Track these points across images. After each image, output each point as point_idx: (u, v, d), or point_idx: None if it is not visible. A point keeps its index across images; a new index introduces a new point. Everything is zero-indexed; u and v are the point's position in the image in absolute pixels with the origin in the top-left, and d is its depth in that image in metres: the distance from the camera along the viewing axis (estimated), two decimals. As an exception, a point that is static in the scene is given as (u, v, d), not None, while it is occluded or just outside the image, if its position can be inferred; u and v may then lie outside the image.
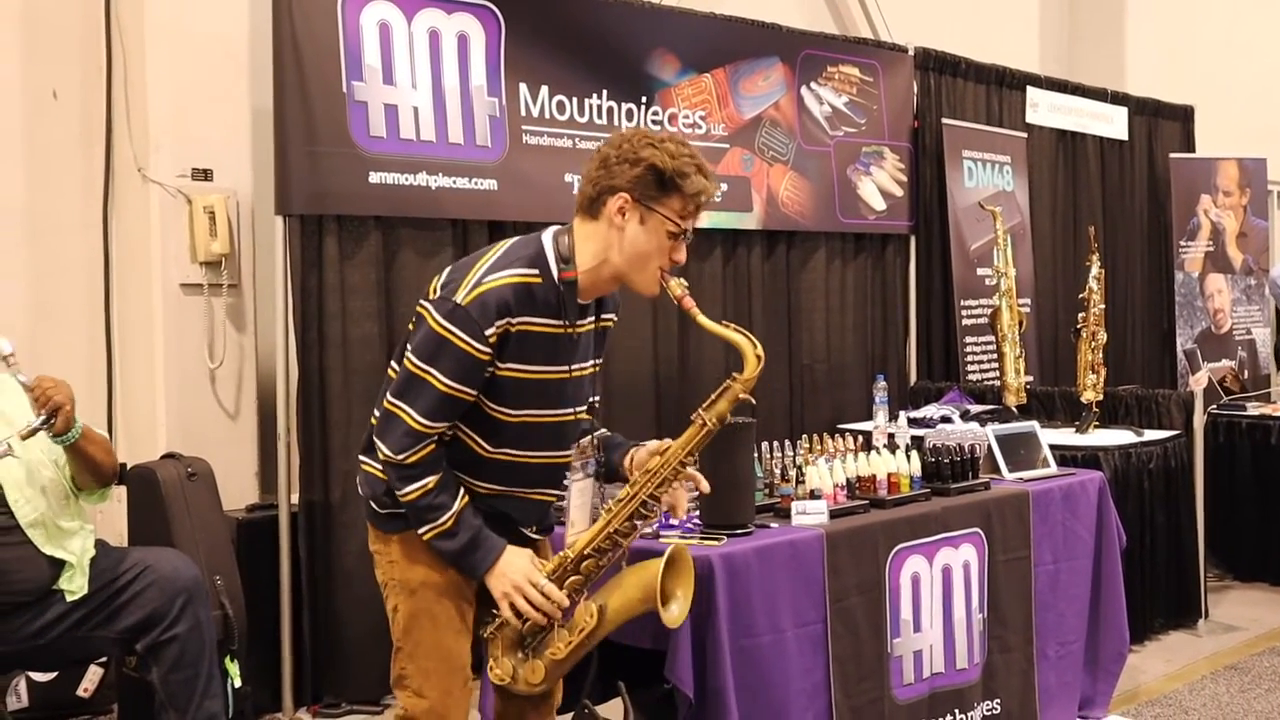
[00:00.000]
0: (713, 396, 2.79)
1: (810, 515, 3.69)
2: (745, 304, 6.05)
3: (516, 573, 2.73)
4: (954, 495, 4.11)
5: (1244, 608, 6.17)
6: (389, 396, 2.73)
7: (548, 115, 5.24)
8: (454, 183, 4.91)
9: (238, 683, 3.99)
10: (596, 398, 3.01)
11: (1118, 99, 8.32)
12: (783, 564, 3.50)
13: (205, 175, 4.81)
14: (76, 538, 3.60)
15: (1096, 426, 5.71)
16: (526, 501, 2.86)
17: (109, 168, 4.80)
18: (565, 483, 2.87)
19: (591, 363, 2.90)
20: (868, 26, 7.34)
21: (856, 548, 3.71)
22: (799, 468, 3.86)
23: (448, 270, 2.76)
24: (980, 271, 6.96)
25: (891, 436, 4.44)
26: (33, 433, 3.36)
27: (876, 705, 3.75)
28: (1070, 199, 7.99)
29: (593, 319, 2.85)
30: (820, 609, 3.59)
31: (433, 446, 2.71)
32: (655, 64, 5.62)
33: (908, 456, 4.08)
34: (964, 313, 6.92)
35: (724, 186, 5.84)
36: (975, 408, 5.83)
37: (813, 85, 6.26)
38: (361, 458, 2.84)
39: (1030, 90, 7.62)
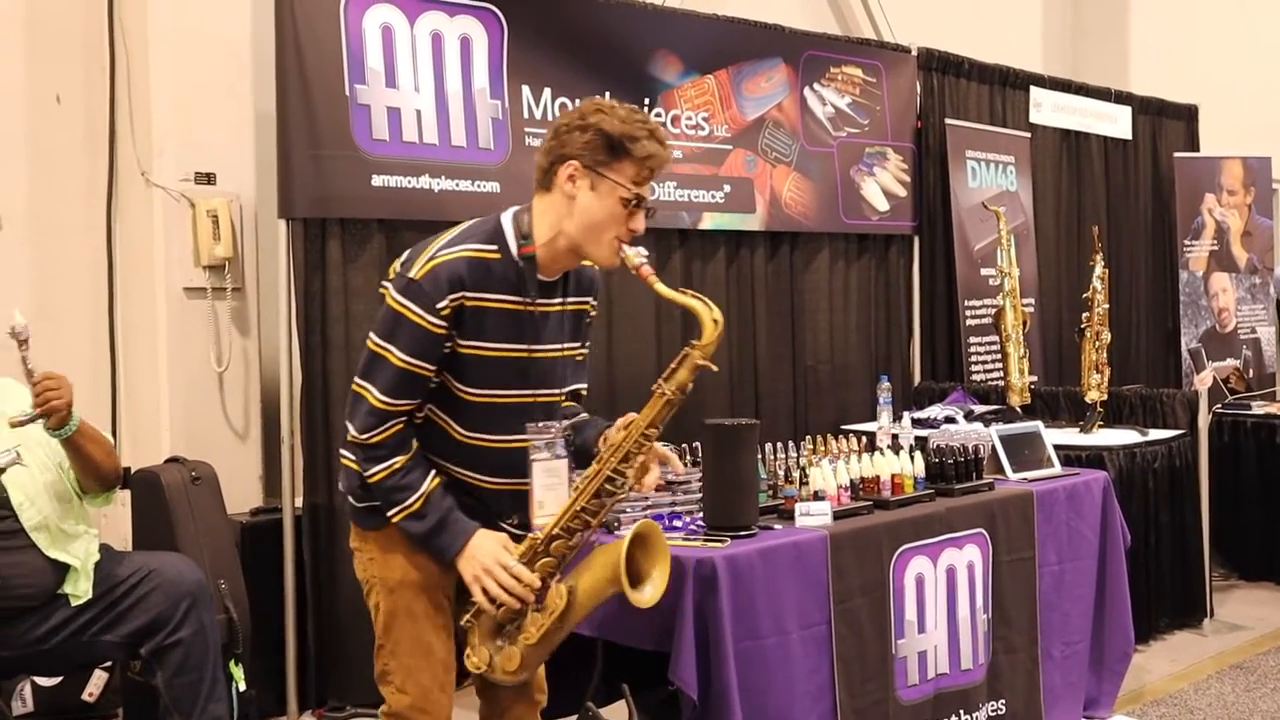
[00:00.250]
0: (672, 365, 2.72)
1: (814, 516, 3.69)
2: (749, 305, 6.06)
3: (486, 555, 2.69)
4: (958, 496, 4.10)
5: (1249, 607, 6.16)
6: (355, 378, 2.74)
7: (550, 117, 5.24)
8: (457, 185, 4.91)
9: (242, 686, 4.00)
10: (582, 385, 2.99)
11: (1121, 98, 8.31)
12: (787, 565, 3.50)
13: (209, 179, 4.81)
14: (80, 541, 3.60)
15: (1101, 426, 5.71)
16: (502, 493, 2.83)
17: (112, 172, 4.80)
18: (534, 463, 2.79)
19: (567, 346, 2.87)
20: (870, 27, 7.33)
21: (860, 549, 3.71)
22: (803, 469, 3.86)
23: (409, 251, 2.76)
24: (984, 272, 6.96)
25: (895, 437, 4.43)
26: (22, 423, 3.36)
27: (881, 706, 3.75)
28: (1074, 199, 7.98)
29: (561, 299, 2.81)
30: (824, 610, 3.59)
31: (399, 426, 2.70)
32: (658, 66, 5.62)
33: (911, 457, 4.07)
34: (968, 313, 6.91)
35: (727, 187, 5.84)
36: (979, 408, 5.83)
37: (816, 86, 6.26)
38: (342, 452, 2.83)
39: (1034, 90, 7.62)
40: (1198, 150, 8.85)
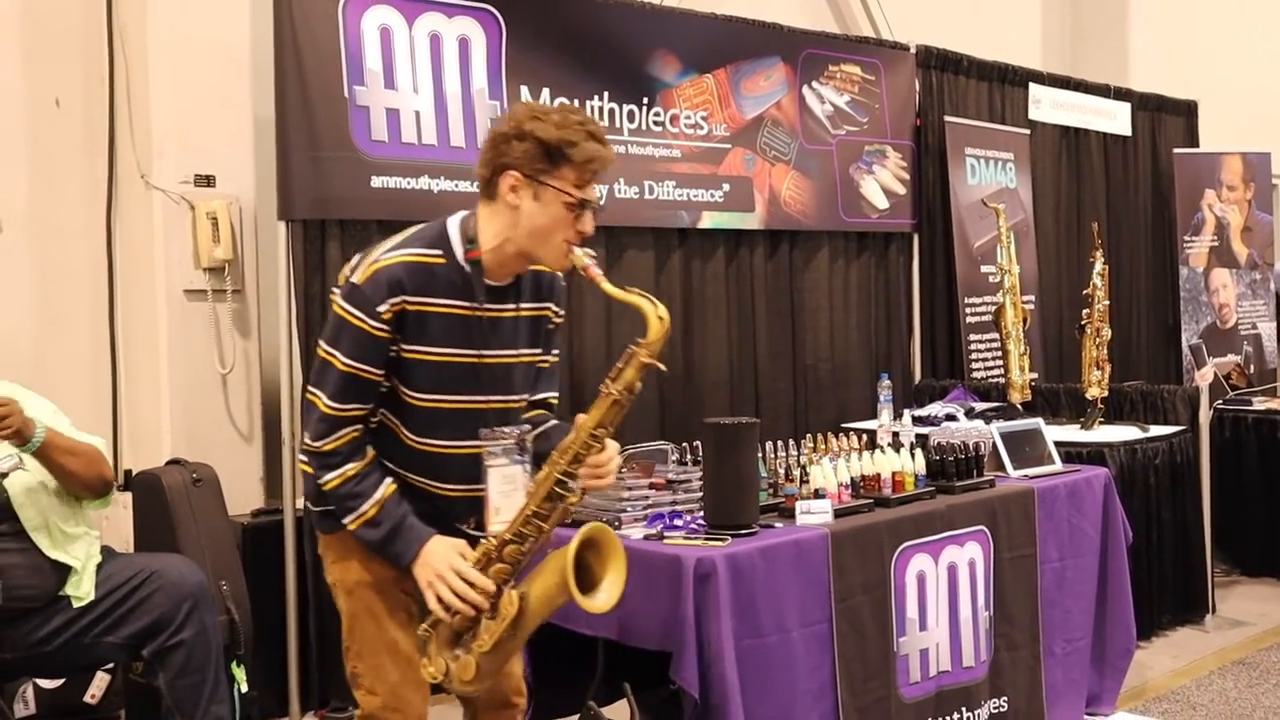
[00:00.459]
0: (619, 365, 2.67)
1: (815, 515, 3.69)
2: (748, 304, 6.06)
3: (440, 561, 2.67)
4: (959, 493, 4.10)
5: (1251, 603, 6.16)
6: (308, 384, 2.74)
7: (549, 117, 5.24)
8: (456, 186, 4.91)
9: (244, 687, 4.00)
10: (553, 394, 2.96)
11: (1120, 95, 8.31)
12: (787, 564, 3.50)
13: (208, 181, 4.82)
14: (81, 543, 3.61)
15: (1102, 423, 5.71)
16: (458, 499, 2.81)
17: (112, 174, 4.80)
18: (489, 469, 2.75)
19: (525, 352, 2.83)
20: (869, 25, 7.33)
21: (861, 547, 3.71)
22: (803, 467, 3.86)
23: (357, 256, 2.75)
24: (984, 269, 6.96)
25: (896, 435, 4.44)
26: None
27: (883, 704, 3.75)
28: (1074, 195, 7.98)
29: (515, 304, 2.78)
30: (825, 608, 3.59)
31: (354, 434, 2.69)
32: (656, 65, 5.62)
33: (912, 455, 4.08)
34: (968, 310, 6.91)
35: (726, 186, 5.85)
36: (980, 405, 5.83)
37: (814, 84, 6.26)
38: (300, 457, 2.82)
39: (1033, 87, 7.62)
40: (1197, 146, 8.84)
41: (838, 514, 3.74)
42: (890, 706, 3.77)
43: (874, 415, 5.07)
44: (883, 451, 4.08)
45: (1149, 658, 5.26)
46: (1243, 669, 5.15)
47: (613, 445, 2.72)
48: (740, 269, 6.04)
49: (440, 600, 2.66)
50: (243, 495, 4.75)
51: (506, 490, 2.73)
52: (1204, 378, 5.96)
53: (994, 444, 4.45)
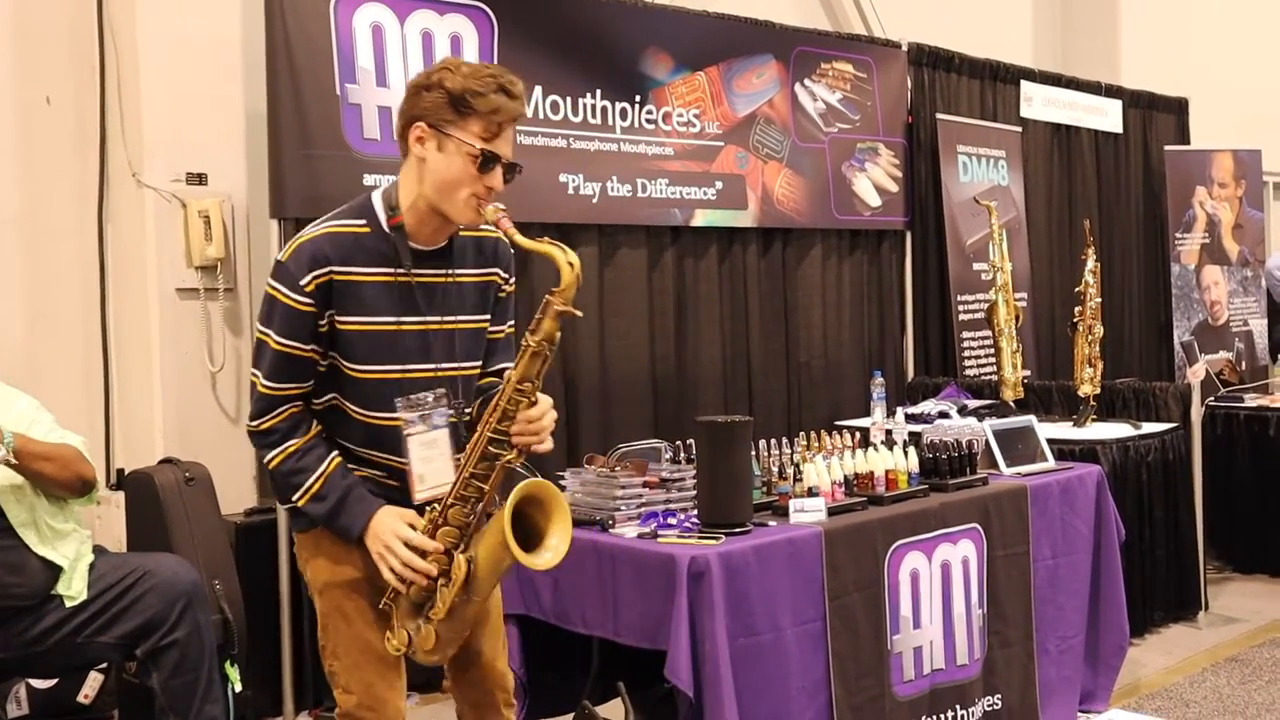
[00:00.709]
0: (537, 315, 2.63)
1: (808, 513, 3.69)
2: (741, 302, 6.06)
3: (386, 531, 2.67)
4: (952, 491, 4.11)
5: (1244, 599, 6.17)
6: (250, 367, 2.74)
7: (541, 115, 5.25)
8: (449, 184, 4.90)
9: (238, 687, 3.99)
10: (507, 365, 2.85)
11: (1112, 92, 8.33)
12: (781, 562, 3.50)
13: (200, 179, 4.81)
14: (70, 540, 3.60)
15: (1094, 420, 5.72)
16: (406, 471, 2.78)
17: (103, 173, 4.79)
18: (408, 438, 2.73)
19: (469, 319, 2.81)
20: (861, 23, 7.34)
21: (855, 545, 3.71)
22: (796, 465, 3.86)
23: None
24: (976, 266, 6.97)
25: (889, 433, 4.44)
26: None
27: (877, 702, 3.75)
28: (1065, 193, 7.99)
29: (452, 269, 2.75)
30: (819, 606, 3.59)
31: (293, 410, 2.69)
32: (649, 63, 5.62)
33: (905, 453, 4.08)
34: (960, 308, 6.92)
35: (719, 184, 5.85)
36: (972, 403, 5.84)
37: (807, 82, 6.26)
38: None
39: (1024, 84, 7.63)
40: (1188, 143, 8.86)
41: (831, 512, 3.74)
42: (884, 704, 3.77)
43: (867, 413, 5.08)
44: (876, 449, 4.08)
45: (1142, 655, 5.27)
46: (1235, 666, 5.16)
47: (545, 400, 2.68)
48: (733, 267, 6.04)
49: (393, 571, 2.65)
50: (236, 494, 4.74)
51: (429, 456, 2.73)
52: (1196, 375, 5.96)
53: (987, 442, 4.46)
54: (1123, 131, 8.39)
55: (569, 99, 5.33)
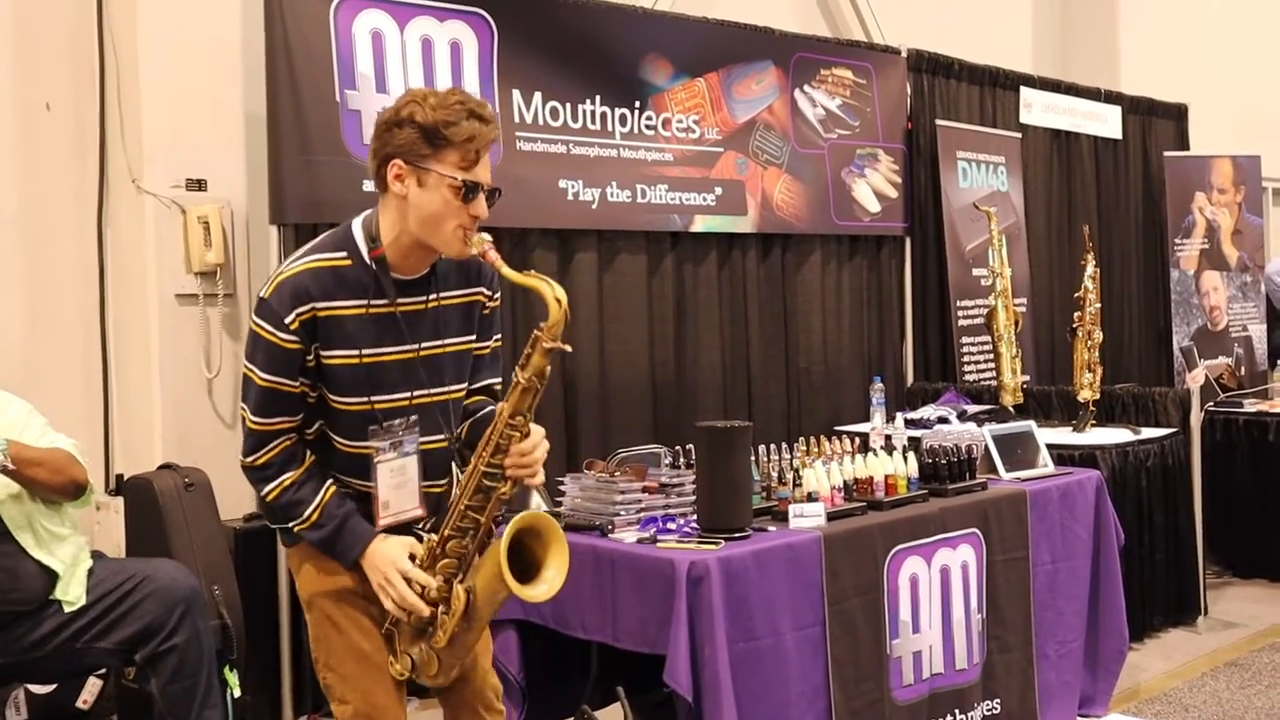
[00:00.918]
0: (526, 351, 2.63)
1: (808, 518, 3.70)
2: (741, 307, 6.06)
3: (386, 564, 2.68)
4: (951, 496, 4.11)
5: (1243, 604, 6.17)
6: (240, 400, 2.73)
7: (541, 121, 5.25)
8: (448, 190, 4.90)
9: (237, 692, 3.99)
10: (495, 380, 2.93)
11: (1111, 98, 8.33)
12: (781, 567, 3.50)
13: (199, 185, 4.81)
14: (67, 544, 3.60)
15: (1093, 425, 5.72)
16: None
17: (103, 179, 4.79)
18: (378, 464, 2.73)
19: (454, 341, 2.80)
20: (860, 29, 7.34)
21: (854, 550, 3.71)
22: (796, 470, 3.87)
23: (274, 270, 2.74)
24: (976, 272, 6.97)
25: (889, 438, 4.44)
26: None
27: (876, 707, 3.75)
28: (1065, 198, 8.00)
29: (430, 295, 2.74)
30: (819, 611, 3.60)
31: (285, 444, 2.69)
32: (648, 69, 5.62)
33: (905, 458, 4.08)
34: (960, 313, 6.92)
35: (718, 190, 5.85)
36: (972, 408, 5.84)
37: (806, 88, 6.26)
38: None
39: (1024, 90, 7.63)
40: (1188, 149, 8.87)
41: (830, 517, 3.74)
42: (883, 709, 3.77)
43: (867, 418, 5.07)
44: (875, 454, 4.09)
45: (1141, 659, 5.27)
46: (1235, 670, 5.16)
47: (537, 431, 2.70)
48: (733, 272, 6.04)
49: (394, 602, 2.68)
50: (235, 500, 4.73)
51: (398, 483, 2.74)
52: (1195, 380, 5.98)
53: (986, 447, 4.46)
54: (1122, 137, 8.39)
55: (568, 105, 5.33)
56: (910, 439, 4.48)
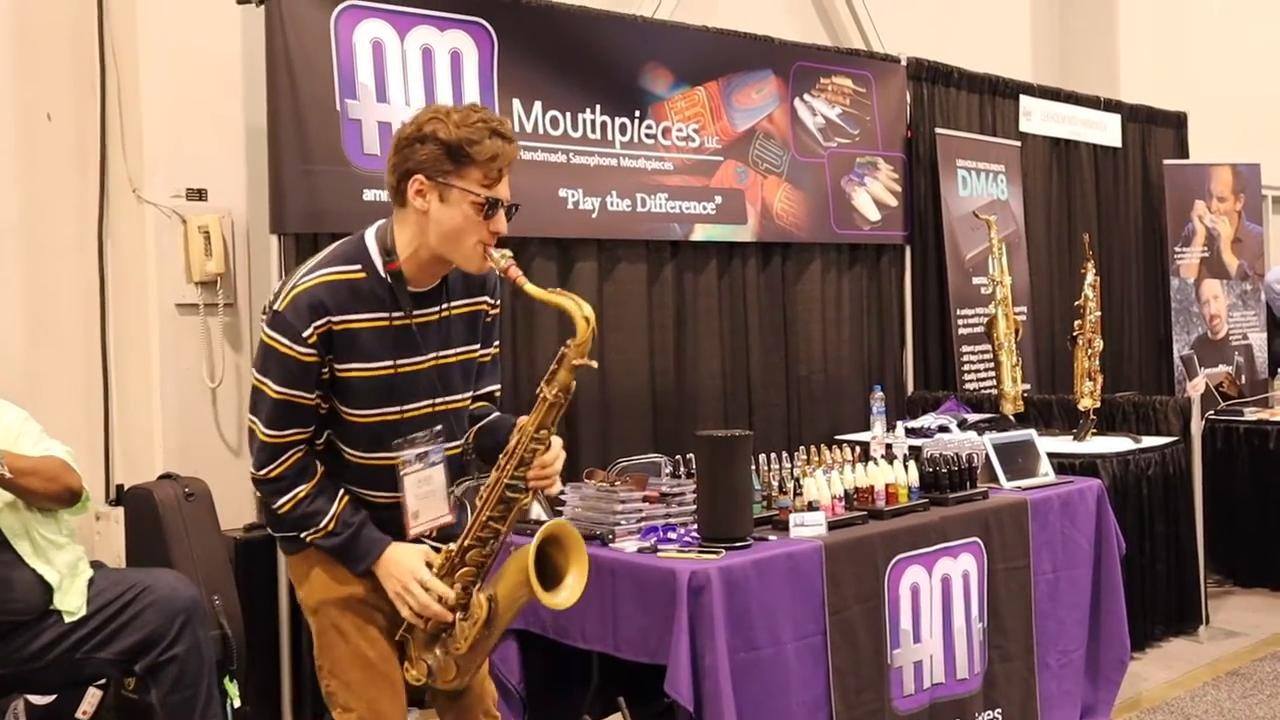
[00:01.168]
0: (553, 367, 2.66)
1: (808, 527, 3.70)
2: (741, 316, 6.06)
3: (403, 572, 2.70)
4: (952, 505, 4.11)
5: (1244, 613, 6.17)
6: (248, 413, 2.73)
7: (541, 130, 5.25)
8: (448, 199, 4.90)
9: (237, 703, 3.98)
10: (495, 386, 2.97)
11: (1111, 106, 8.34)
12: (781, 576, 3.50)
13: (200, 195, 4.81)
14: (64, 553, 3.60)
15: (1094, 434, 5.72)
16: (393, 505, 2.79)
17: (103, 188, 4.80)
18: (405, 476, 2.76)
19: (462, 350, 2.82)
20: (860, 38, 7.35)
21: (855, 559, 3.71)
22: (796, 479, 3.86)
23: (281, 282, 2.74)
24: (976, 280, 6.98)
25: (889, 447, 4.44)
26: None
27: (877, 716, 3.75)
28: (1065, 207, 8.00)
29: (440, 306, 2.76)
30: (819, 621, 3.59)
31: (297, 456, 2.69)
32: (648, 78, 5.63)
33: (905, 467, 4.08)
34: (960, 322, 6.92)
35: (718, 199, 5.85)
36: (973, 417, 5.84)
37: (806, 97, 6.27)
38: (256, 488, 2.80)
39: (1023, 99, 7.64)
40: (1187, 157, 8.87)
41: (831, 526, 3.74)
42: (884, 719, 3.77)
43: (867, 427, 5.07)
44: (876, 463, 4.09)
45: (1143, 669, 5.26)
46: (1236, 680, 5.15)
47: (556, 442, 2.74)
48: (733, 281, 6.04)
49: (411, 610, 2.70)
50: (235, 509, 4.73)
51: (424, 493, 2.77)
52: (1195, 388, 5.97)
53: (987, 455, 4.46)
54: (1121, 146, 8.40)
55: (568, 114, 5.34)
56: (911, 448, 4.47)
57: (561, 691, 3.87)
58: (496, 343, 2.97)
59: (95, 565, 3.74)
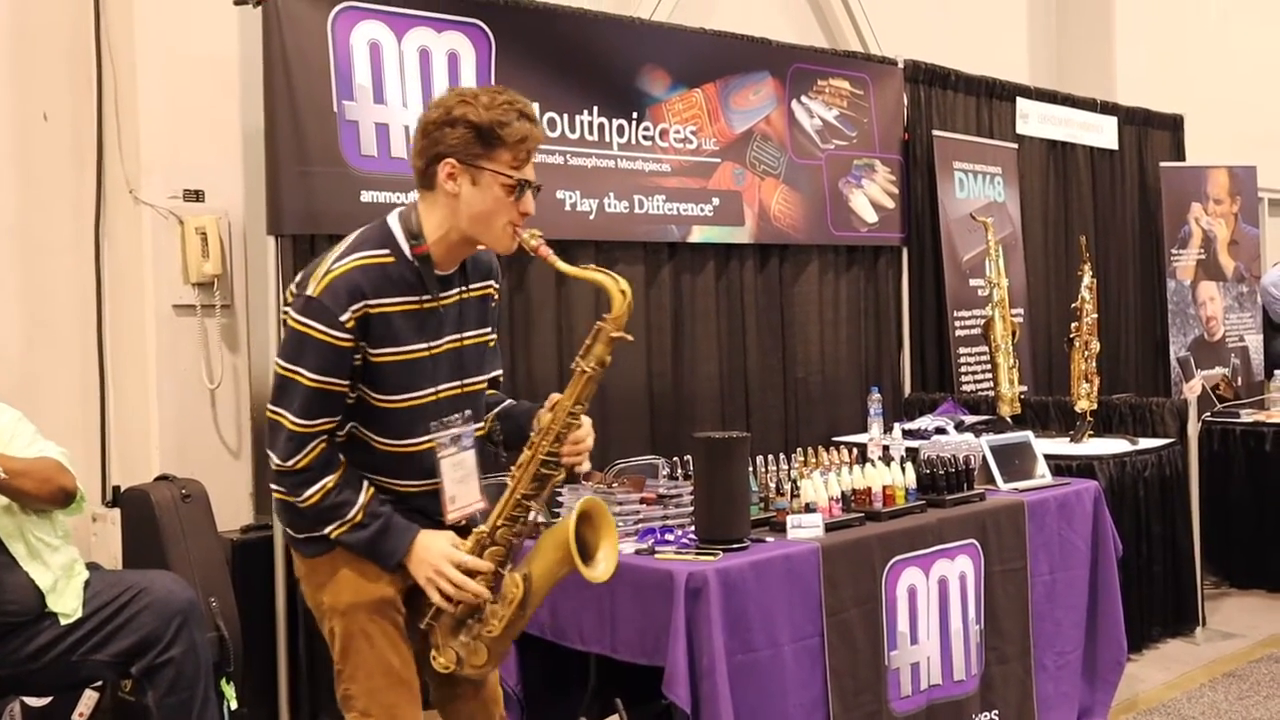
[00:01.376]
0: (588, 342, 2.71)
1: (805, 529, 3.70)
2: (738, 318, 6.06)
3: (435, 555, 2.70)
4: (949, 507, 4.11)
5: (1241, 615, 6.17)
6: (269, 405, 2.72)
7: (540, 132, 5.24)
8: (446, 200, 4.90)
9: (234, 705, 3.98)
10: (499, 371, 3.00)
11: (1107, 109, 8.34)
12: (779, 578, 3.50)
13: (197, 196, 4.81)
14: (59, 555, 3.59)
15: (1091, 436, 5.72)
16: (418, 494, 2.80)
17: (100, 189, 4.79)
18: (441, 459, 2.78)
19: (476, 333, 2.85)
20: (857, 40, 7.35)
21: (852, 561, 3.71)
22: (794, 481, 3.86)
23: (301, 272, 2.74)
24: (973, 282, 6.98)
25: (886, 449, 4.44)
26: None
27: (875, 718, 3.75)
28: (1061, 209, 8.00)
29: (459, 289, 2.79)
30: (817, 622, 3.59)
31: (322, 446, 2.67)
32: (646, 80, 5.63)
33: (903, 468, 4.08)
34: (957, 324, 6.93)
35: (716, 200, 5.85)
36: (970, 418, 5.84)
37: (803, 99, 6.27)
38: (272, 486, 2.77)
39: (1020, 101, 7.65)
40: (1183, 160, 8.88)
41: (829, 528, 3.74)
42: (882, 720, 3.77)
43: (864, 429, 5.07)
44: (873, 465, 4.09)
45: (1140, 670, 5.27)
46: (1233, 681, 5.16)
47: (586, 420, 2.77)
48: (730, 283, 6.04)
49: (442, 594, 2.69)
50: (232, 511, 4.73)
51: (460, 477, 2.79)
52: (1192, 390, 5.98)
53: (984, 457, 4.46)
54: (1118, 148, 8.40)
55: (566, 116, 5.34)
56: (908, 449, 4.48)
57: (559, 693, 3.87)
58: (494, 329, 3.00)
59: (91, 567, 3.74)
